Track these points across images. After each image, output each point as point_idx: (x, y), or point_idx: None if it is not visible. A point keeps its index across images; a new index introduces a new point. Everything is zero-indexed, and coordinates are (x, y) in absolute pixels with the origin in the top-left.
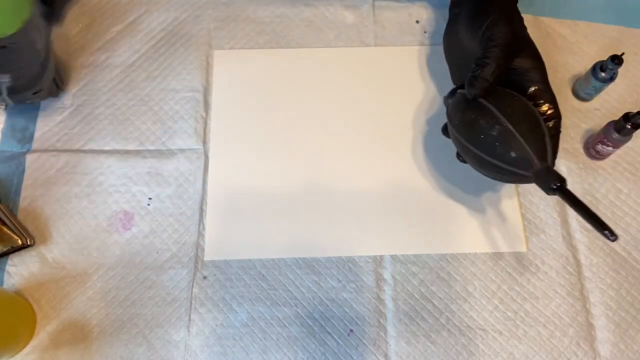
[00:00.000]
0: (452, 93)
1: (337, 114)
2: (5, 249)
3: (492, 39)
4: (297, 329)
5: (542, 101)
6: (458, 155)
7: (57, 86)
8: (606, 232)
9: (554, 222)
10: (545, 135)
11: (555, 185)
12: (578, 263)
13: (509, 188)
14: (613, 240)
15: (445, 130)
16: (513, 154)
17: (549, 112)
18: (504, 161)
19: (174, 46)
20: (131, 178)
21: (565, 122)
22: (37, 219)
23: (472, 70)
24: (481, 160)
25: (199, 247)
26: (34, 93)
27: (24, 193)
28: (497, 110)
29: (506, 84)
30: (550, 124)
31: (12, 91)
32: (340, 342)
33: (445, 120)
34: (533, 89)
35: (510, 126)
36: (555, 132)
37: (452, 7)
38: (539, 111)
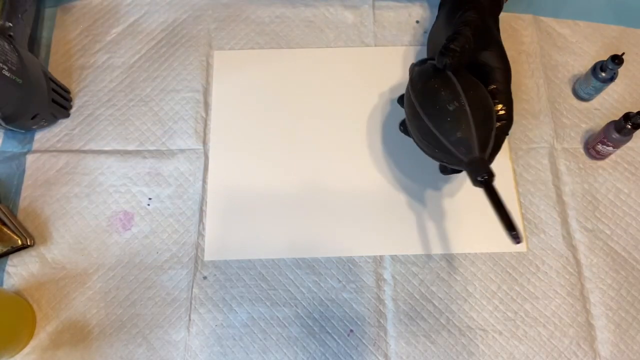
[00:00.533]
0: (422, 62)
1: (337, 114)
2: (5, 249)
3: (464, 21)
4: (297, 329)
5: (497, 101)
6: (401, 125)
7: (64, 107)
8: (513, 233)
9: (554, 222)
10: (493, 130)
11: (483, 177)
12: (578, 263)
13: (508, 188)
14: (515, 243)
15: (401, 99)
16: (459, 135)
17: (501, 112)
18: (448, 139)
19: (174, 47)
20: (131, 178)
21: (565, 122)
22: (37, 219)
23: (443, 45)
24: (426, 131)
25: (198, 247)
26: (32, 118)
27: (24, 193)
28: (460, 88)
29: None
30: (499, 124)
31: (8, 120)
32: (340, 342)
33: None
34: (492, 87)
35: (467, 107)
36: (501, 133)
37: (439, 9)
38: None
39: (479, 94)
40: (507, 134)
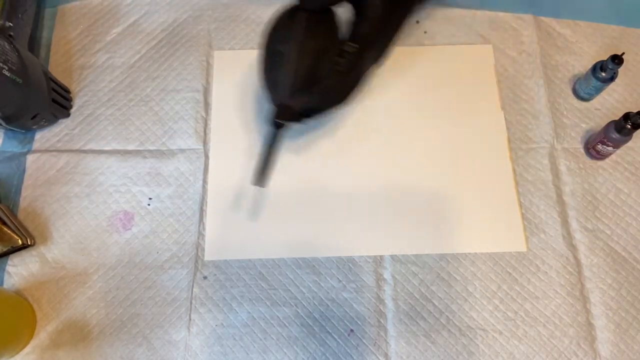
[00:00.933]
0: None
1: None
2: (5, 249)
3: None
4: (297, 329)
5: (350, 40)
6: None
7: (64, 106)
8: (260, 177)
9: (554, 222)
10: (316, 84)
11: (277, 122)
12: (578, 263)
13: (508, 188)
14: (253, 184)
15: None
16: (274, 75)
17: (351, 50)
18: (269, 75)
19: (174, 47)
20: (131, 178)
21: (565, 122)
22: (37, 219)
23: None
24: (262, 58)
25: (199, 247)
26: (33, 118)
27: (24, 193)
28: (302, 33)
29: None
30: (342, 59)
31: (9, 120)
32: (341, 342)
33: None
34: (358, 28)
35: (294, 54)
36: (346, 66)
37: None
38: (342, 48)
39: (321, 45)
40: (344, 69)
